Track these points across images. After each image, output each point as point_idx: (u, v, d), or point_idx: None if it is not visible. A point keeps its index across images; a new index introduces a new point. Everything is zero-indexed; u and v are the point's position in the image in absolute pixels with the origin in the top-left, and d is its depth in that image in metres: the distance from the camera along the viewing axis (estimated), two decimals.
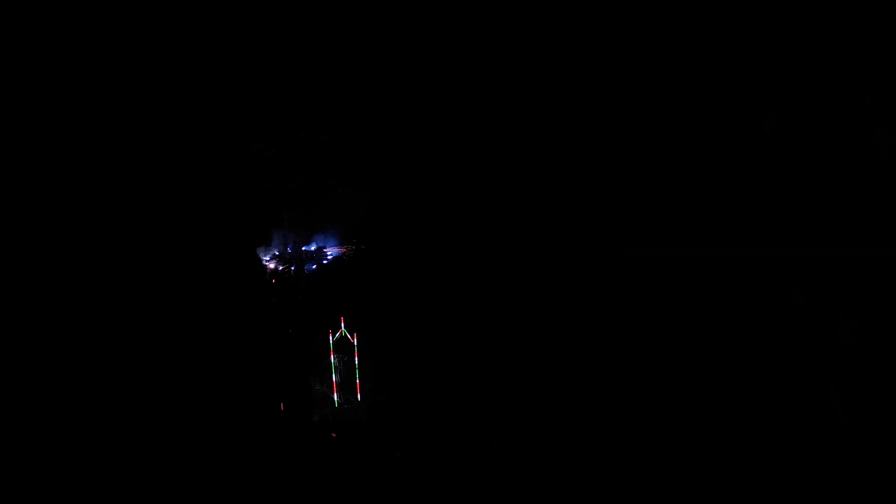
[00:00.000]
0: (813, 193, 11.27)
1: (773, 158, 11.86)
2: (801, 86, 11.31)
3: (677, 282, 13.39)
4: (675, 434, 12.62)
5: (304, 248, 15.07)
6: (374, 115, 15.16)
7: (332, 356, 15.05)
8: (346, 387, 15.16)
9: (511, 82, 14.79)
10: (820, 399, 11.26)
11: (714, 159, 12.99)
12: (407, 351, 14.94)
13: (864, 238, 10.84)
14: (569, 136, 14.48)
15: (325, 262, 15.34)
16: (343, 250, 15.34)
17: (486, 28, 14.68)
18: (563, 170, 14.41)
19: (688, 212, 13.42)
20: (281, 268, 15.30)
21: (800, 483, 11.25)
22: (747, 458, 11.88)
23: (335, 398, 14.99)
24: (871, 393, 10.76)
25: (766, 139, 11.87)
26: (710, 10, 12.40)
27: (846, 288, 10.96)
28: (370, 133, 15.22)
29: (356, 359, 15.13)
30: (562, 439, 13.42)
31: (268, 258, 15.33)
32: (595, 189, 14.18)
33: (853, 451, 10.77)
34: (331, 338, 15.14)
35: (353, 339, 15.22)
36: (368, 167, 15.22)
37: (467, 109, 15.00)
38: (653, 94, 13.54)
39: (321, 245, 15.26)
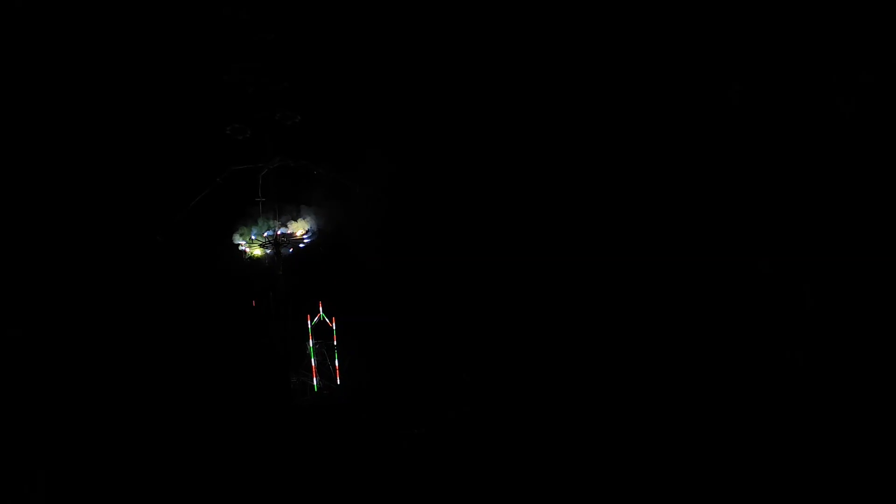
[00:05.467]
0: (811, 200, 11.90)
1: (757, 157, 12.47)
2: (771, 65, 12.09)
3: (671, 284, 13.74)
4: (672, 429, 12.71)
5: (280, 232, 14.84)
6: (352, 99, 15.19)
7: (310, 340, 14.88)
8: (324, 372, 15.02)
9: (509, 81, 15.05)
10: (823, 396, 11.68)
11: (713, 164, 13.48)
12: (385, 334, 14.95)
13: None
14: (572, 135, 14.72)
15: (301, 245, 15.17)
16: (319, 231, 15.18)
17: (485, 28, 14.92)
18: (567, 168, 14.67)
19: (683, 216, 13.84)
20: (257, 252, 15.04)
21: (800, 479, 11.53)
22: (745, 453, 11.96)
23: (314, 383, 14.82)
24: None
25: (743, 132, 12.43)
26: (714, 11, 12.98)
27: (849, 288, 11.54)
28: (348, 116, 15.21)
29: (335, 342, 15.04)
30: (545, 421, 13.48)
31: (244, 243, 15.04)
32: (595, 193, 14.44)
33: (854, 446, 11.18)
34: (309, 322, 14.98)
35: (331, 323, 15.12)
36: (346, 151, 15.20)
37: (459, 100, 15.20)
38: (655, 97, 13.94)
39: (299, 228, 15.06)
